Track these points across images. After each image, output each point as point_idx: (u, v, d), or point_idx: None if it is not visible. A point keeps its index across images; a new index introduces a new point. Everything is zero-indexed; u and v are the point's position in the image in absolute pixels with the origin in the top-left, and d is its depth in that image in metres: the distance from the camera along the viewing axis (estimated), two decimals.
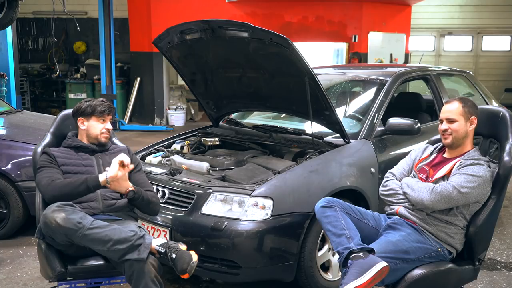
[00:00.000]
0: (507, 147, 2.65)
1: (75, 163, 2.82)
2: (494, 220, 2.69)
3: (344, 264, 2.41)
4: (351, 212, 2.65)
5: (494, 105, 5.35)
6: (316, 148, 3.54)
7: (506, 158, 2.61)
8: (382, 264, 2.32)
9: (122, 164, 2.62)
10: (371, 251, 2.40)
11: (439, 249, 2.60)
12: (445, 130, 2.71)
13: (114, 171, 2.60)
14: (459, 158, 2.68)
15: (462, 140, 2.70)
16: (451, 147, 2.74)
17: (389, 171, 2.90)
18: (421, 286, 2.50)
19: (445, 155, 2.79)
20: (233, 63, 3.71)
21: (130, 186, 2.70)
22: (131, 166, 2.69)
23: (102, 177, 2.62)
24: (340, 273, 3.34)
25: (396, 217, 2.71)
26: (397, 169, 2.88)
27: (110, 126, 2.92)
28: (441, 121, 2.75)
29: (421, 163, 2.82)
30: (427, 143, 3.03)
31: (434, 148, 2.88)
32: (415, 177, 2.78)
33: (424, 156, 2.85)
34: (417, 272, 2.49)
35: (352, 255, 2.38)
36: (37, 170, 2.79)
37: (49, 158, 2.79)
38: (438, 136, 3.02)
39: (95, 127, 2.88)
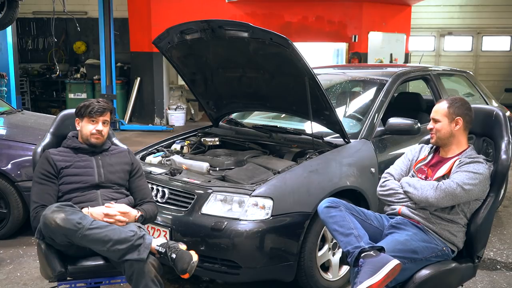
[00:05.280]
0: (503, 146, 2.68)
1: (74, 165, 2.80)
2: (492, 218, 2.74)
3: (355, 263, 2.39)
4: (355, 213, 2.65)
5: (494, 105, 5.36)
6: (316, 148, 3.54)
7: (503, 156, 2.64)
8: (395, 262, 2.31)
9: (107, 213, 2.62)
10: (381, 249, 2.39)
11: (444, 248, 2.61)
12: (431, 129, 2.77)
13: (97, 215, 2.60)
14: (457, 157, 2.71)
15: (447, 139, 2.74)
16: (438, 145, 2.79)
17: (386, 171, 2.89)
18: (429, 286, 2.50)
19: (441, 155, 2.81)
20: (233, 63, 3.71)
21: (137, 214, 2.73)
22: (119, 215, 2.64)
23: (84, 210, 2.62)
24: (340, 272, 3.37)
25: (399, 217, 2.70)
26: (394, 169, 2.88)
27: (101, 127, 2.85)
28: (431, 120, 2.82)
29: (420, 163, 2.83)
30: (421, 143, 3.04)
31: (431, 148, 2.89)
32: (414, 178, 2.78)
33: (422, 157, 2.86)
34: (425, 272, 2.49)
35: (363, 254, 2.36)
36: (33, 176, 2.80)
37: (45, 169, 2.75)
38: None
39: (86, 128, 2.85)
